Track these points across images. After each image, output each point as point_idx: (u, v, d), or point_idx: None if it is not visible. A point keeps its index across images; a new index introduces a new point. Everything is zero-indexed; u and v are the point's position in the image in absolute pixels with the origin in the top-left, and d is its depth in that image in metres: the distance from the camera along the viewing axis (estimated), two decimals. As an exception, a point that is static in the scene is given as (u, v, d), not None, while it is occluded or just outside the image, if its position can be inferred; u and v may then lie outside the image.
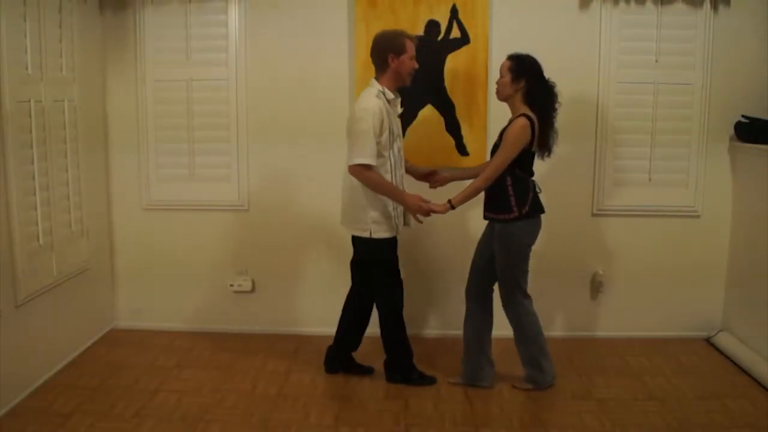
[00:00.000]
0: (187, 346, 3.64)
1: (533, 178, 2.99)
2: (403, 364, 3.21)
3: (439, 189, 3.26)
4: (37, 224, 3.07)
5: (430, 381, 3.21)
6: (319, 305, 3.74)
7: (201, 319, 3.86)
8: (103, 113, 3.74)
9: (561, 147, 3.61)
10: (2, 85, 2.81)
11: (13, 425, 2.77)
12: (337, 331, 3.31)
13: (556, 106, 2.94)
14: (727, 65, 3.56)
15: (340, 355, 3.31)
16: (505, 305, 3.09)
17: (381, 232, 3.01)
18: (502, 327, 3.80)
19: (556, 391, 3.14)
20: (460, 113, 3.58)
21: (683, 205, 3.69)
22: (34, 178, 3.04)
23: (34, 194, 3.05)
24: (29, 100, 3.00)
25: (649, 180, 3.67)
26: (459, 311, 3.27)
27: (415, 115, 3.60)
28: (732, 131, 3.62)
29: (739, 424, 2.84)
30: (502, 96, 2.98)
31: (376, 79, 3.02)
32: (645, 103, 3.61)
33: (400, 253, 3.19)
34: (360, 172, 2.89)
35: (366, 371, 3.31)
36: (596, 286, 3.77)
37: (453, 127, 3.61)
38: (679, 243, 3.72)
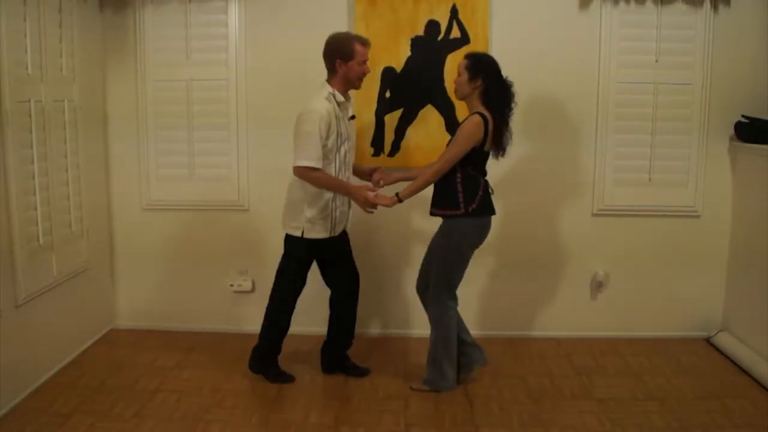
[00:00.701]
0: (187, 346, 3.64)
1: (486, 179, 2.98)
2: (264, 356, 3.24)
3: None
4: (37, 224, 3.07)
5: (288, 379, 3.22)
6: (318, 305, 3.71)
7: (201, 319, 3.86)
8: (103, 113, 3.73)
9: (561, 147, 3.65)
10: (2, 85, 2.81)
11: (13, 425, 2.77)
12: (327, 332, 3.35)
13: (512, 105, 2.93)
14: (727, 65, 3.56)
15: (334, 355, 3.33)
16: (430, 302, 3.07)
17: (313, 233, 3.02)
18: (500, 327, 3.81)
19: (556, 391, 3.14)
20: (460, 113, 3.58)
21: (683, 205, 3.69)
22: (34, 178, 3.04)
23: (34, 194, 3.05)
24: (29, 100, 3.00)
25: (649, 180, 3.67)
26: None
27: (415, 115, 3.60)
28: (732, 131, 3.62)
29: (739, 424, 2.84)
30: (459, 95, 2.97)
31: (328, 81, 3.00)
32: (645, 103, 3.60)
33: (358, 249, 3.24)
34: (305, 173, 2.92)
35: (362, 373, 3.30)
36: (596, 286, 3.77)
37: (453, 127, 3.60)
38: (679, 243, 3.71)
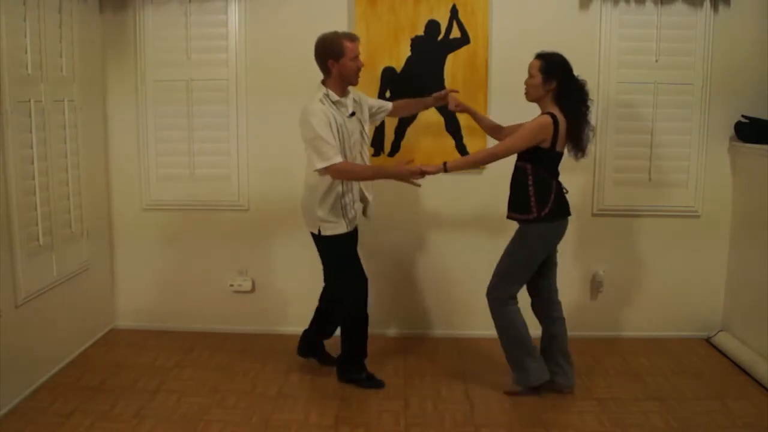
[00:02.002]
0: (187, 346, 3.64)
1: (558, 180, 2.93)
2: (351, 364, 3.21)
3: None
4: (37, 224, 3.07)
5: (378, 384, 3.18)
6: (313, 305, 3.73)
7: (201, 319, 3.86)
8: (103, 113, 3.74)
9: (561, 147, 3.64)
10: (2, 85, 2.81)
11: (13, 425, 2.77)
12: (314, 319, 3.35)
13: (588, 103, 2.86)
14: (727, 65, 3.56)
15: (312, 341, 3.36)
16: (490, 298, 3.01)
17: (329, 230, 3.01)
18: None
19: (556, 391, 3.13)
20: (460, 113, 3.58)
21: (683, 205, 3.69)
22: (34, 178, 3.04)
23: (34, 194, 3.05)
24: (29, 100, 3.00)
25: (649, 180, 3.67)
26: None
27: (415, 115, 3.60)
28: (732, 131, 3.62)
29: (739, 424, 2.84)
30: (532, 97, 2.89)
31: (323, 82, 2.99)
32: (645, 103, 3.61)
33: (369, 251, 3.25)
34: (330, 173, 2.89)
35: (334, 362, 3.29)
36: (596, 286, 3.77)
37: (453, 127, 3.61)
38: (679, 243, 3.72)
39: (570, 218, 3.67)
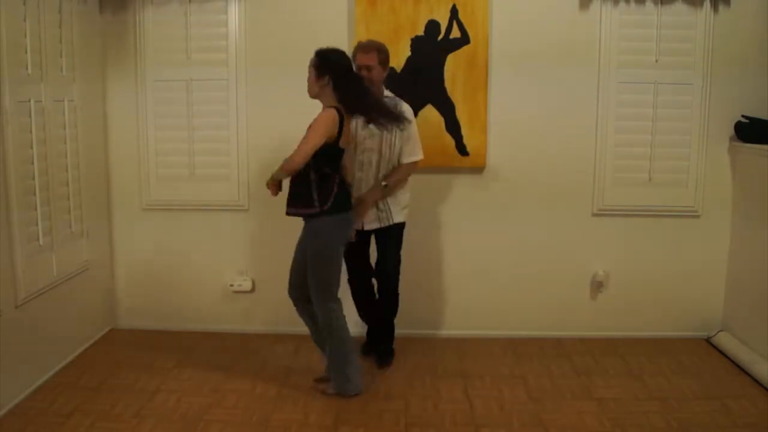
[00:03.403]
0: (187, 346, 3.64)
1: (339, 175, 2.91)
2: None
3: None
4: (37, 224, 3.07)
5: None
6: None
7: (201, 319, 3.86)
8: (103, 113, 3.73)
9: (561, 147, 3.65)
10: (2, 85, 2.81)
11: (13, 425, 2.77)
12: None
13: (368, 87, 2.91)
14: (727, 65, 3.56)
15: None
16: (317, 307, 2.99)
17: (404, 217, 3.35)
18: (500, 327, 3.80)
19: (556, 391, 3.13)
20: (460, 113, 3.58)
21: (683, 205, 3.69)
22: (34, 178, 3.04)
23: (34, 194, 3.05)
24: (29, 100, 3.00)
25: (649, 180, 3.67)
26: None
27: (415, 115, 3.59)
28: (732, 131, 3.62)
29: (739, 424, 2.84)
30: (310, 94, 2.90)
31: None
32: (645, 103, 3.61)
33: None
34: None
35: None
36: (596, 286, 3.77)
37: (453, 127, 3.61)
38: (679, 243, 3.72)
39: (569, 218, 3.71)
